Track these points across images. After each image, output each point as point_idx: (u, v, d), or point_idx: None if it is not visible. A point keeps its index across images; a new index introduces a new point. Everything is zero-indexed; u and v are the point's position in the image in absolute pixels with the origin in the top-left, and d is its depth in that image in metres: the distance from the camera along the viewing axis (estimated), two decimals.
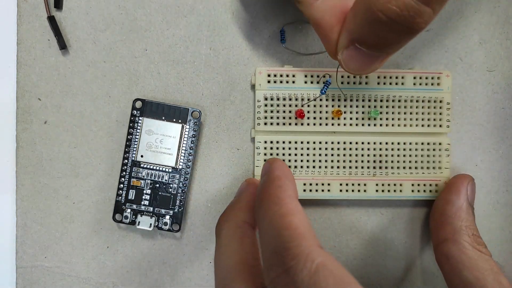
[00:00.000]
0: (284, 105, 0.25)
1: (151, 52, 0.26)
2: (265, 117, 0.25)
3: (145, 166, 0.25)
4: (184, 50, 0.26)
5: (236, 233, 0.21)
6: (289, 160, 0.25)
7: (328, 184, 0.26)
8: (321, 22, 0.20)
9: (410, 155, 0.26)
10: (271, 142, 0.25)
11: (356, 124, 0.25)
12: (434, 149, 0.26)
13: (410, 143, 0.26)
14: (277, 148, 0.25)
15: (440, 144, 0.26)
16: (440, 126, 0.26)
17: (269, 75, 0.25)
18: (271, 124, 0.25)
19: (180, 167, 0.26)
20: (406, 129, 0.26)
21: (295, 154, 0.25)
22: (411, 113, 0.26)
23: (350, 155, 0.26)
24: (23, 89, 0.26)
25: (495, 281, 0.22)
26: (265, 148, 0.25)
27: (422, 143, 0.26)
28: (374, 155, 0.26)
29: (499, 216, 0.27)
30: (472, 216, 0.24)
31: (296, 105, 0.25)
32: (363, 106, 0.25)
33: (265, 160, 0.25)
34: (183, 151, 0.25)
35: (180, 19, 0.26)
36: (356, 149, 0.26)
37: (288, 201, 0.18)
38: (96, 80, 0.26)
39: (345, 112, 0.25)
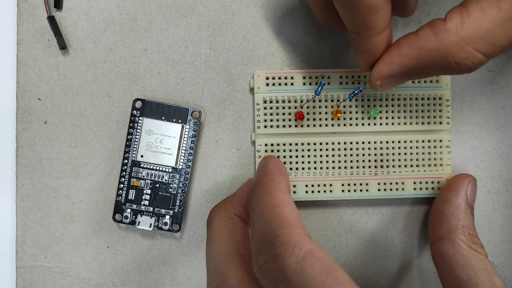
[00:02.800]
0: (283, 107, 0.25)
1: (151, 52, 0.26)
2: (265, 120, 0.25)
3: (145, 166, 0.25)
4: (184, 50, 0.26)
5: (227, 224, 0.21)
6: (290, 162, 0.25)
7: (330, 185, 0.26)
8: (375, 51, 0.21)
9: (411, 153, 0.26)
10: (272, 144, 0.25)
11: (356, 124, 0.25)
12: (435, 146, 0.26)
13: (410, 141, 0.26)
14: (278, 151, 0.25)
15: (441, 141, 0.26)
16: (440, 123, 0.26)
17: (267, 78, 0.25)
18: (271, 126, 0.25)
19: (180, 167, 0.26)
20: (407, 127, 0.26)
21: (296, 156, 0.25)
22: (411, 111, 0.26)
23: (351, 155, 0.26)
24: (23, 89, 0.26)
25: (488, 280, 0.22)
26: (265, 151, 0.25)
27: (423, 141, 0.26)
28: (375, 154, 0.26)
29: (499, 216, 0.27)
30: (471, 216, 0.24)
31: (295, 107, 0.25)
32: (362, 106, 0.25)
33: None
34: (183, 151, 0.25)
35: (180, 19, 0.26)
36: (357, 149, 0.26)
37: (279, 193, 0.19)
38: (96, 80, 0.26)
39: (344, 112, 0.25)
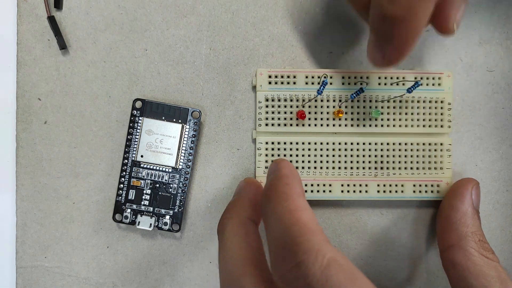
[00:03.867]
0: (285, 106, 0.25)
1: (151, 52, 0.26)
2: (266, 118, 0.25)
3: (145, 166, 0.25)
4: (184, 50, 0.26)
5: (241, 230, 0.21)
6: (290, 161, 0.25)
7: (330, 185, 0.25)
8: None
9: (411, 156, 0.26)
10: (272, 143, 0.25)
11: (357, 125, 0.25)
12: (435, 150, 0.26)
13: (411, 144, 0.26)
14: (278, 149, 0.25)
15: (441, 144, 0.26)
16: (442, 126, 0.26)
17: (270, 76, 0.25)
18: (272, 125, 0.25)
19: (180, 167, 0.25)
20: (408, 129, 0.26)
21: (296, 155, 0.25)
22: (412, 114, 0.26)
23: (351, 155, 0.26)
24: (23, 89, 0.26)
25: None
26: (266, 149, 0.25)
27: (424, 144, 0.26)
28: (376, 156, 0.26)
29: (499, 216, 0.27)
30: (478, 221, 0.24)
31: (297, 106, 0.25)
32: (364, 107, 0.25)
33: (266, 161, 0.25)
34: (183, 151, 0.25)
35: (180, 19, 0.26)
36: (358, 149, 0.26)
37: (295, 197, 0.19)
38: (96, 80, 0.26)
39: (346, 113, 0.25)
